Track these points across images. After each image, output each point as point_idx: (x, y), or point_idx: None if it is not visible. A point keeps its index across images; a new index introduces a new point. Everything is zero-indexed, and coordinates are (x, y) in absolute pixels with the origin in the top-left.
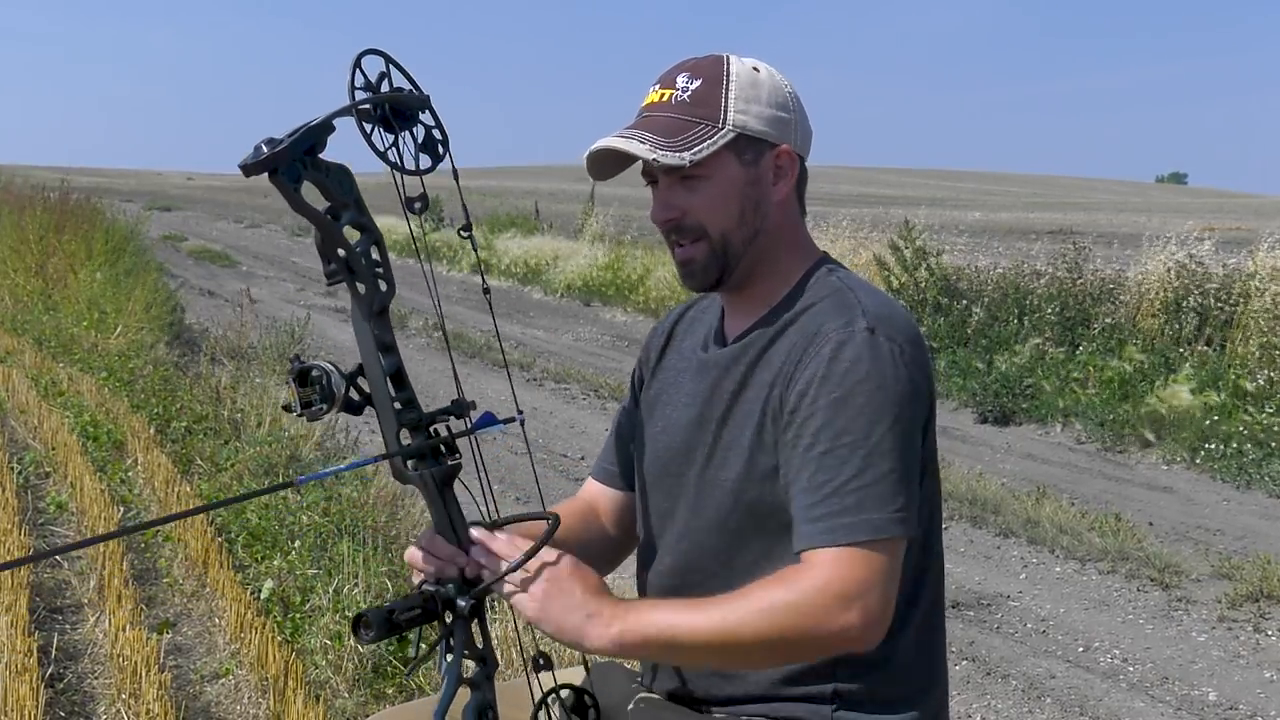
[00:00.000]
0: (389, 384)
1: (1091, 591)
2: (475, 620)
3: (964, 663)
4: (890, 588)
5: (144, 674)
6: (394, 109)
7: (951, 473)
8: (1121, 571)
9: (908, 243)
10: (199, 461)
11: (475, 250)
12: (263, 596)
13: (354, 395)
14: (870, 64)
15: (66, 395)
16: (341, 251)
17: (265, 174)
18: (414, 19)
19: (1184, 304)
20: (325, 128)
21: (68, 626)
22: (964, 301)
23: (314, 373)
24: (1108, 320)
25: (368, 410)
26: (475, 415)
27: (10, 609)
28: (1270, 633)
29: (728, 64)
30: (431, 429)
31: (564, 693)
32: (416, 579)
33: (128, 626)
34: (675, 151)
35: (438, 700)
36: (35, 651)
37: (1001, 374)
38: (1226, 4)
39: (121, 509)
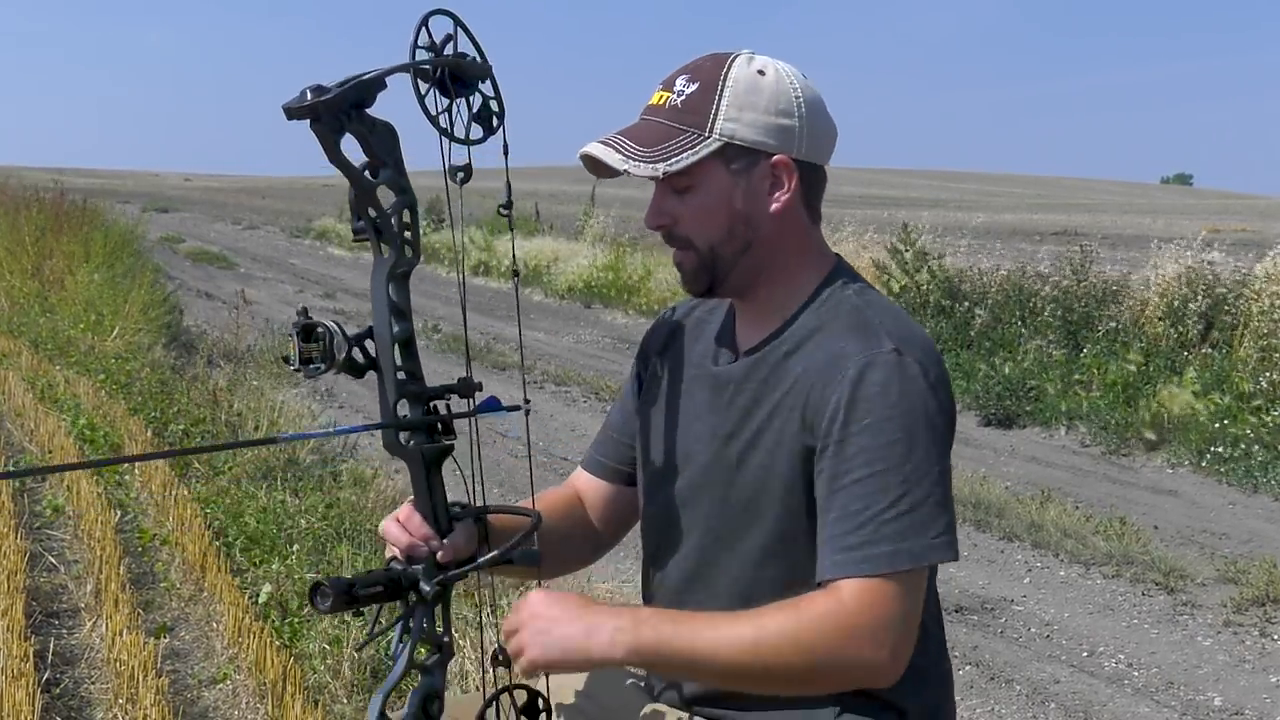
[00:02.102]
0: (397, 351)
1: (1096, 596)
2: (439, 605)
3: (968, 667)
4: (917, 618)
5: (141, 679)
6: (453, 74)
7: (955, 476)
8: (1126, 575)
9: (907, 246)
10: (196, 464)
11: (511, 227)
12: (260, 601)
13: (359, 358)
14: (872, 64)
15: (63, 398)
16: (372, 211)
17: (306, 121)
18: (411, 18)
19: (1188, 307)
20: (377, 83)
21: (64, 631)
22: (967, 304)
23: (318, 329)
24: (1111, 323)
25: (365, 410)
26: (480, 398)
27: (6, 613)
28: (1276, 637)
29: (728, 68)
30: (433, 405)
31: (518, 693)
32: (389, 554)
33: (125, 631)
34: (649, 162)
35: (380, 688)
36: (32, 656)
37: (1005, 376)
38: (1232, 4)
39: (119, 512)
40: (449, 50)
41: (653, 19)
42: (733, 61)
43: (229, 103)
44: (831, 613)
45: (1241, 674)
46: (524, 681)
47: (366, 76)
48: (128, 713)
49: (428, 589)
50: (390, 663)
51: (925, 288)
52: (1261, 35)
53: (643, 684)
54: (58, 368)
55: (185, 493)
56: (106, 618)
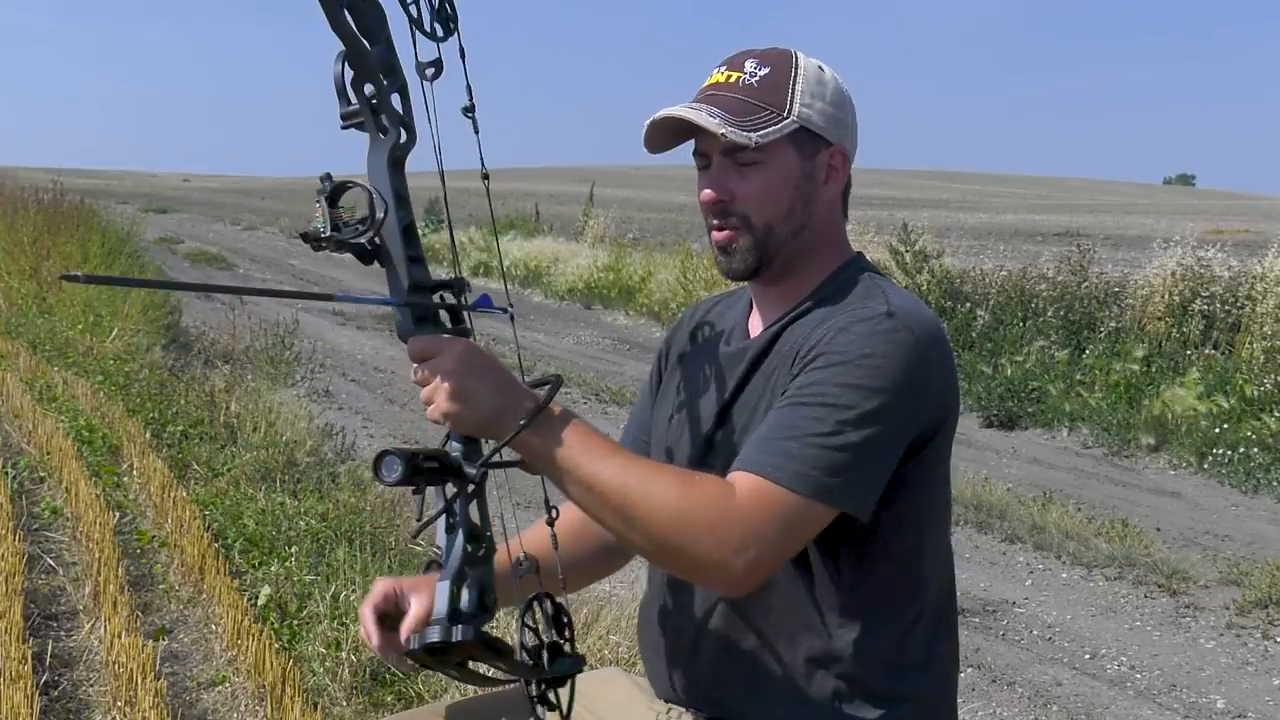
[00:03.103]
0: (402, 237)
1: (1098, 598)
2: (476, 498)
3: (969, 670)
4: (790, 550)
5: (139, 681)
6: None
7: (957, 477)
8: (1129, 578)
9: (907, 246)
10: (195, 466)
11: (476, 130)
12: (260, 603)
13: (366, 244)
14: (874, 64)
15: (61, 399)
16: (369, 89)
17: None
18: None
19: (1190, 307)
20: None
21: (62, 633)
22: (969, 304)
23: (348, 190)
24: (1114, 324)
25: (364, 411)
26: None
27: (4, 616)
28: (1279, 639)
29: (796, 58)
30: (440, 295)
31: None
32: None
33: (123, 633)
34: (743, 130)
35: (441, 575)
36: (29, 659)
37: (1007, 378)
38: (1236, 4)
39: (117, 514)
40: None
41: (653, 19)
42: (797, 53)
43: (228, 103)
44: (720, 494)
45: (1244, 676)
46: (550, 592)
47: None
48: (126, 715)
49: (473, 472)
50: (437, 552)
51: (925, 288)
52: (1265, 35)
53: (642, 686)
54: (56, 369)
55: (184, 494)
56: (105, 620)
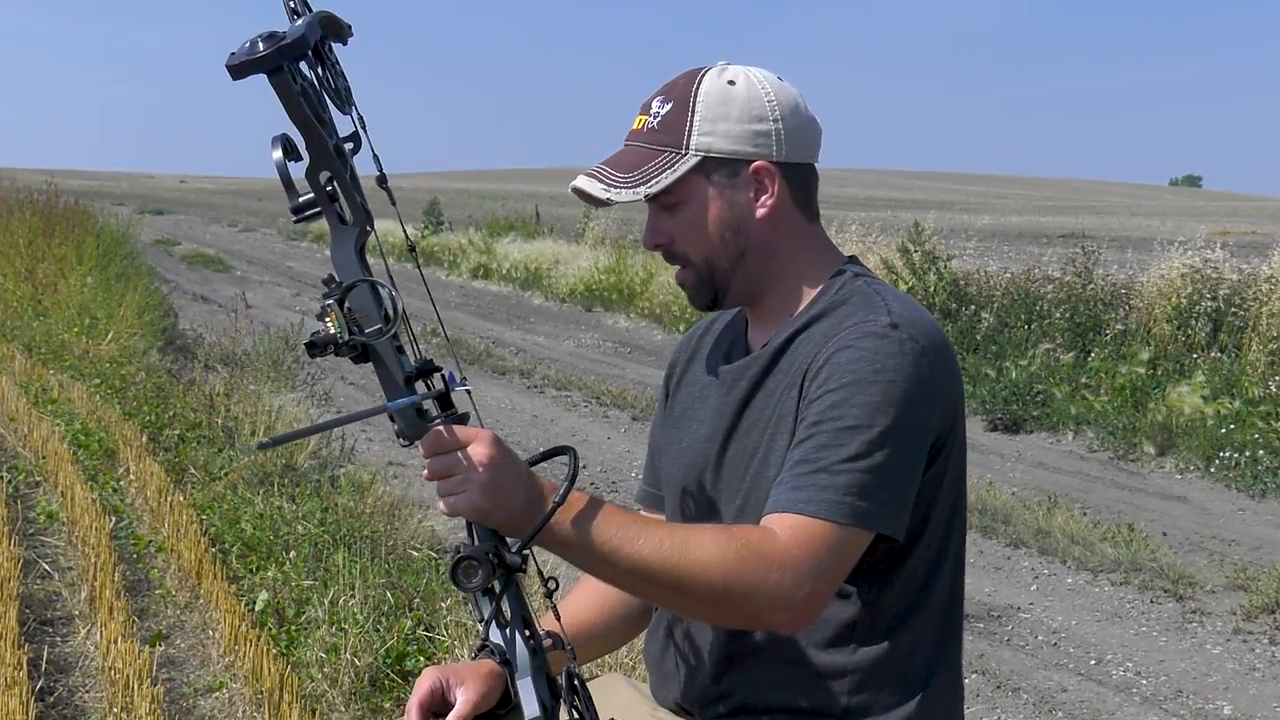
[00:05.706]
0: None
1: (1104, 603)
2: (513, 586)
3: (974, 675)
4: (841, 578)
5: (136, 687)
6: (325, 33)
7: None
8: (1134, 583)
9: (917, 246)
10: (192, 470)
11: (393, 202)
12: (257, 608)
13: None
14: (878, 64)
15: (57, 403)
16: (326, 174)
17: (261, 75)
18: (414, 18)
19: (1196, 309)
20: (314, 27)
21: (58, 639)
22: (973, 307)
23: (355, 290)
24: (1119, 326)
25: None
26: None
27: None
28: None
29: (699, 83)
30: (425, 383)
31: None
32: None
33: (119, 639)
34: (630, 187)
35: (519, 672)
36: (25, 664)
37: (1011, 381)
38: (1242, 3)
39: (113, 519)
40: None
41: (654, 18)
42: (703, 76)
43: (225, 104)
44: (765, 540)
45: (1251, 682)
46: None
47: (312, 17)
48: None
49: (515, 559)
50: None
51: (933, 290)
52: (1271, 35)
53: (643, 692)
54: (51, 372)
55: (181, 499)
56: (101, 625)
